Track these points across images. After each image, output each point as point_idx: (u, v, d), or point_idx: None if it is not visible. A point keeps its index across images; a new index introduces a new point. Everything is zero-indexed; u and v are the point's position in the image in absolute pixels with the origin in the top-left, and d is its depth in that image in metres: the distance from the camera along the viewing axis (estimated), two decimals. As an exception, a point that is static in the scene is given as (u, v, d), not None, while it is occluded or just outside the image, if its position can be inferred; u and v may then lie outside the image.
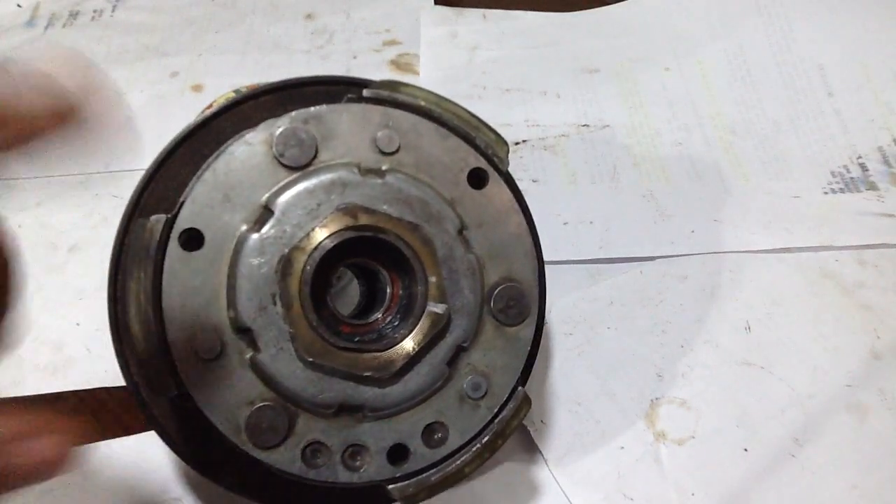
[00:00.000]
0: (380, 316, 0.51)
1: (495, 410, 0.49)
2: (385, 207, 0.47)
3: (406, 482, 0.48)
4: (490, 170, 0.50)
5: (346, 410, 0.46)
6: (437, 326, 0.47)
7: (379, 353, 0.46)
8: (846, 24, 0.93)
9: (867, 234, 0.77)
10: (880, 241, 0.76)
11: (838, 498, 0.60)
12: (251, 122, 0.47)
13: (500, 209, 0.50)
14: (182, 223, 0.44)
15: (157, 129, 0.87)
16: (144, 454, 0.61)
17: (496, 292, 0.49)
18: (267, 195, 0.45)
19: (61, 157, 0.92)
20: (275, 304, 0.45)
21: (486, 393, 0.49)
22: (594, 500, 0.60)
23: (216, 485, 0.48)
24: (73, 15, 1.03)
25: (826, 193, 0.82)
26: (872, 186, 0.82)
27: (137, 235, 0.44)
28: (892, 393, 0.66)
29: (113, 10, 1.03)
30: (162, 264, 0.44)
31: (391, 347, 0.47)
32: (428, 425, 0.48)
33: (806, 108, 0.90)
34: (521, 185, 0.52)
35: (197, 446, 0.47)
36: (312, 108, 0.47)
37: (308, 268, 0.45)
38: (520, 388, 0.50)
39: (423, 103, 0.49)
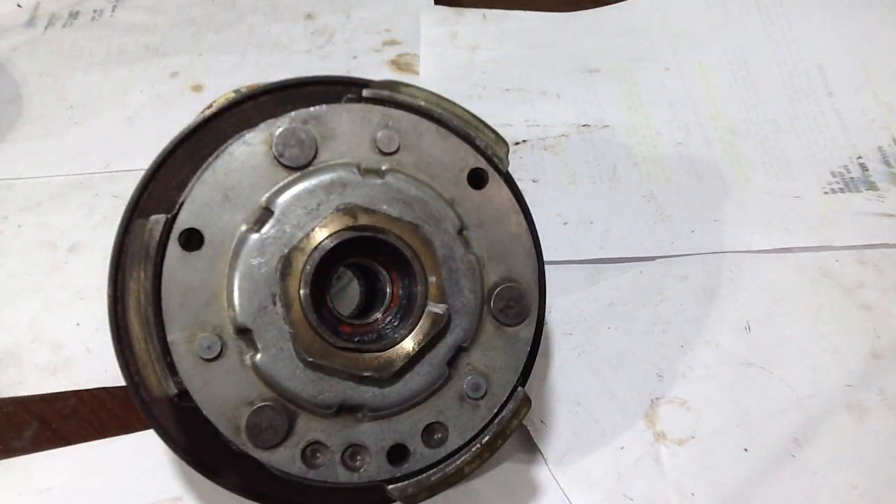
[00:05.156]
0: (380, 316, 0.51)
1: (495, 410, 0.49)
2: (385, 207, 0.47)
3: (406, 482, 0.48)
4: (490, 170, 0.50)
5: (346, 410, 0.46)
6: (437, 326, 0.47)
7: (379, 353, 0.47)
8: (846, 24, 0.93)
9: (867, 234, 0.77)
10: (880, 241, 0.77)
11: (838, 498, 0.60)
12: (251, 122, 0.47)
13: (500, 209, 0.50)
14: (182, 223, 0.44)
15: (157, 129, 0.87)
16: (144, 454, 0.61)
17: (496, 292, 0.49)
18: (267, 195, 0.45)
19: (61, 157, 0.92)
20: (275, 304, 0.45)
21: (485, 393, 0.49)
22: (594, 500, 0.60)
23: (216, 485, 0.48)
24: (73, 15, 1.03)
25: (826, 193, 0.82)
26: (872, 186, 0.82)
27: (137, 235, 0.44)
28: (892, 393, 0.66)
29: (113, 10, 1.03)
30: (162, 264, 0.44)
31: (391, 347, 0.47)
32: (428, 425, 0.48)
33: (806, 108, 0.90)
34: (521, 185, 0.52)
35: (197, 446, 0.47)
36: (312, 108, 0.47)
37: (308, 268, 0.45)
38: (520, 388, 0.50)
39: (423, 103, 0.49)
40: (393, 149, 0.48)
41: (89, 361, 0.67)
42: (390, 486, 0.47)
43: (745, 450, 0.63)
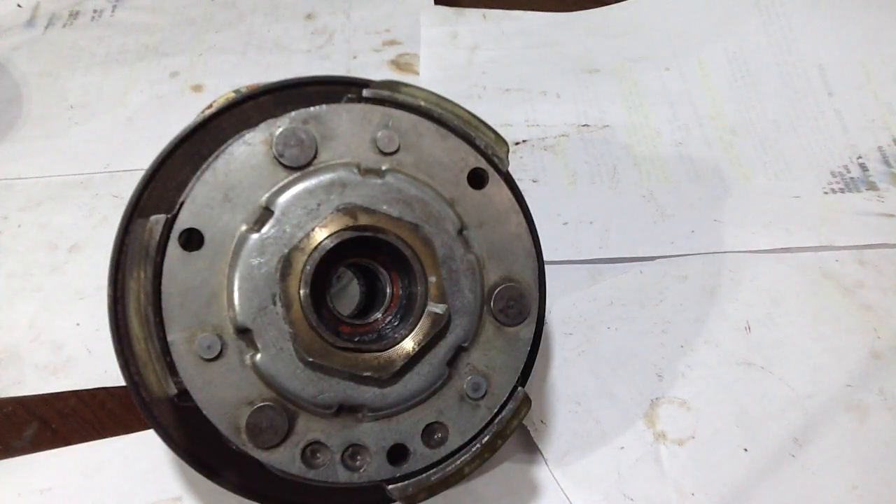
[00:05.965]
0: (380, 316, 0.51)
1: (495, 410, 0.49)
2: (385, 207, 0.47)
3: (406, 482, 0.48)
4: (490, 170, 0.50)
5: (346, 410, 0.46)
6: (437, 326, 0.47)
7: (379, 353, 0.47)
8: (846, 24, 0.93)
9: (867, 234, 0.77)
10: (880, 241, 0.77)
11: (838, 498, 0.60)
12: (251, 122, 0.47)
13: (500, 209, 0.50)
14: (182, 223, 0.44)
15: (157, 129, 0.87)
16: (144, 454, 0.61)
17: (496, 292, 0.49)
18: (267, 195, 0.45)
19: (61, 157, 0.92)
20: (275, 304, 0.45)
21: (486, 393, 0.49)
22: (594, 500, 0.60)
23: (216, 485, 0.48)
24: (73, 15, 1.03)
25: (826, 193, 0.82)
26: (872, 186, 0.82)
27: (137, 235, 0.44)
28: (892, 393, 0.66)
29: (113, 10, 1.03)
30: (162, 264, 0.44)
31: (391, 347, 0.47)
32: (428, 425, 0.48)
33: (806, 108, 0.90)
34: (521, 185, 0.52)
35: (197, 446, 0.47)
36: (312, 108, 0.47)
37: (308, 268, 0.45)
38: (520, 388, 0.50)
39: (423, 103, 0.49)
40: (393, 149, 0.48)
41: (89, 361, 0.67)
42: (390, 486, 0.47)
43: (745, 450, 0.63)
